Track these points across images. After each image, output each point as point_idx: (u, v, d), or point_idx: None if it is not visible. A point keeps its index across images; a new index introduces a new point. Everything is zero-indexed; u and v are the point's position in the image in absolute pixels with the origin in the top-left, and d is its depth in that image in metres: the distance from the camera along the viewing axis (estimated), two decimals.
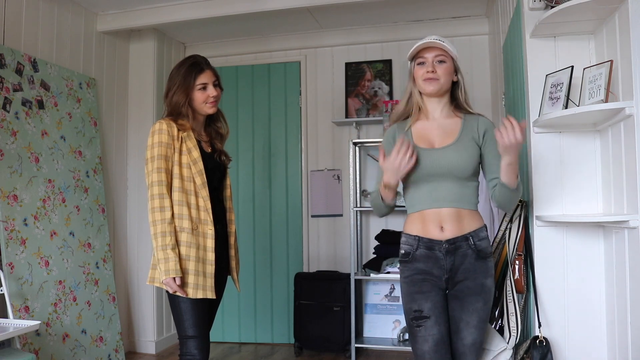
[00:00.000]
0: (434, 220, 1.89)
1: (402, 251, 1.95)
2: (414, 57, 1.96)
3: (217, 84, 2.26)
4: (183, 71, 2.21)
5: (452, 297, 1.90)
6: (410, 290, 1.91)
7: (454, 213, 1.88)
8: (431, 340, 1.85)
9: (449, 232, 1.87)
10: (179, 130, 2.15)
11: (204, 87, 2.20)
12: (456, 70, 1.95)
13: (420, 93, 1.97)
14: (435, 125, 1.96)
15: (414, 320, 1.88)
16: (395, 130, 2.02)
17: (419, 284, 1.89)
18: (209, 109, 2.24)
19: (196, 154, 2.16)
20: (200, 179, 2.15)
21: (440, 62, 1.90)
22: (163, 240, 2.04)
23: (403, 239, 1.96)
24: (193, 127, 2.21)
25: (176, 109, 2.19)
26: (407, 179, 1.94)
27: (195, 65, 2.22)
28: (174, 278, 2.04)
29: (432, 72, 1.89)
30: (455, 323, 1.88)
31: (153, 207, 2.07)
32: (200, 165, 2.16)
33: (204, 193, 2.15)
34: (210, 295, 2.12)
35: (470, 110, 2.00)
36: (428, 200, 1.90)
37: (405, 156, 1.83)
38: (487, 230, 1.94)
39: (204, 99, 2.20)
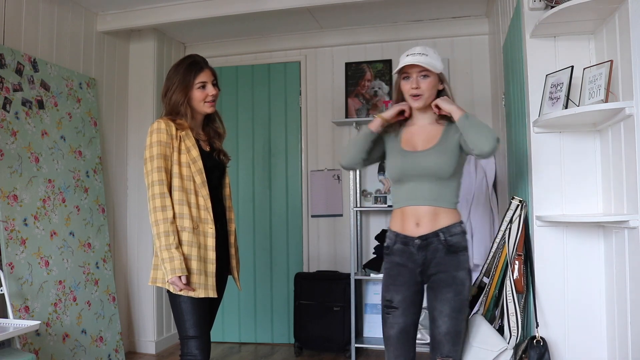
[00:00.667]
0: (411, 217, 2.05)
1: (385, 244, 2.17)
2: (399, 70, 2.09)
3: (216, 84, 2.27)
4: (182, 70, 2.21)
5: (428, 288, 2.06)
6: (386, 281, 2.15)
7: (431, 211, 2.02)
8: (396, 327, 2.08)
9: (423, 229, 2.02)
10: (177, 129, 2.14)
11: (203, 86, 2.21)
12: (442, 80, 2.07)
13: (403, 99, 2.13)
14: (420, 130, 2.11)
15: (384, 307, 2.13)
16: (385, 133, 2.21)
17: (394, 277, 2.11)
18: (208, 108, 2.24)
19: (195, 152, 2.16)
20: (200, 178, 2.15)
21: (424, 77, 2.02)
22: (167, 239, 2.04)
23: (387, 233, 2.17)
24: (191, 126, 2.21)
25: (175, 108, 2.19)
26: (392, 178, 2.13)
27: (194, 64, 2.22)
28: (180, 277, 2.03)
29: (416, 88, 2.03)
30: (431, 312, 2.03)
31: (155, 207, 2.07)
32: (200, 164, 2.15)
33: (204, 192, 2.15)
34: (212, 294, 2.12)
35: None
36: (408, 198, 2.06)
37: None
38: (462, 226, 2.04)
39: (202, 97, 2.20)
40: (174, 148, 2.12)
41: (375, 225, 4.10)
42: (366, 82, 4.16)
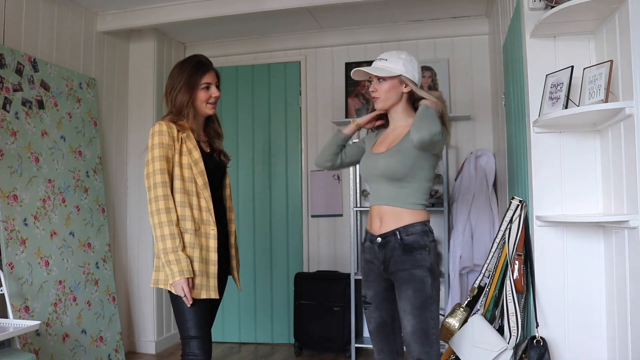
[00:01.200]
0: (375, 215, 2.12)
1: (361, 242, 2.24)
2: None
3: (218, 86, 2.27)
4: (188, 70, 2.20)
5: (395, 287, 2.07)
6: (362, 277, 2.21)
7: (392, 211, 2.06)
8: (373, 322, 2.14)
9: (383, 228, 2.07)
10: (178, 131, 2.14)
11: (208, 87, 2.21)
12: (405, 83, 2.10)
13: None
14: (390, 133, 2.18)
15: (362, 302, 2.21)
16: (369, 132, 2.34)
17: (366, 274, 2.17)
18: (209, 110, 2.24)
19: (197, 154, 2.15)
20: (202, 180, 2.14)
21: (380, 80, 2.14)
22: (173, 242, 2.03)
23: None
24: (193, 127, 2.21)
25: (179, 108, 2.18)
26: (362, 178, 2.21)
27: (201, 64, 2.22)
28: (188, 279, 2.03)
29: (374, 90, 2.16)
30: (399, 312, 2.05)
31: (158, 209, 2.06)
32: (202, 165, 2.15)
33: (206, 193, 2.15)
34: (214, 295, 2.12)
35: None
36: (374, 197, 2.14)
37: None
38: (424, 227, 2.04)
39: (206, 98, 2.21)
40: (176, 150, 2.12)
41: None
42: (366, 82, 4.14)
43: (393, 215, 2.06)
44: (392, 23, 4.07)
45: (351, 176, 3.78)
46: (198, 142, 2.21)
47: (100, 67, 3.83)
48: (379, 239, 2.07)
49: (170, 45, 4.31)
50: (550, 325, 2.24)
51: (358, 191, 4.03)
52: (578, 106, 2.04)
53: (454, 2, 3.66)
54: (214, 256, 2.14)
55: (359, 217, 4.04)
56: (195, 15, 3.64)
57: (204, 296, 2.09)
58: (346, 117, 4.14)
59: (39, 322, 2.60)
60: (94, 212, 3.54)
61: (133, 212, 4.02)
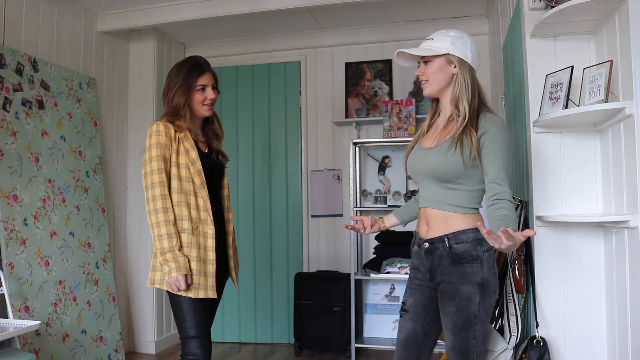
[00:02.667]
0: (423, 218, 1.93)
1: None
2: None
3: (216, 87, 2.27)
4: (185, 71, 2.21)
5: (438, 297, 1.88)
6: (407, 283, 2.03)
7: (439, 214, 1.85)
8: (404, 332, 1.95)
9: (431, 232, 1.87)
10: (176, 131, 2.15)
11: (203, 89, 2.21)
12: (454, 63, 1.84)
13: None
14: (439, 124, 1.94)
15: (400, 309, 2.01)
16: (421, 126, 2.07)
17: (411, 279, 1.99)
18: (206, 112, 2.24)
19: (194, 154, 2.16)
20: (199, 179, 2.15)
21: (426, 62, 1.88)
22: (170, 242, 2.04)
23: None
24: (190, 127, 2.21)
25: (175, 109, 2.19)
26: (411, 176, 2.02)
27: (197, 66, 2.23)
28: (186, 276, 2.03)
29: (421, 74, 1.90)
30: (434, 327, 1.93)
31: (156, 209, 2.06)
32: (199, 165, 2.16)
33: (204, 193, 2.15)
34: (212, 294, 2.12)
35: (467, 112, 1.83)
36: (422, 198, 1.94)
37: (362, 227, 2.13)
38: (477, 234, 1.78)
39: (201, 100, 2.21)
40: (173, 150, 2.13)
41: None
42: (366, 82, 4.16)
43: (441, 220, 1.84)
44: (392, 23, 4.07)
45: (351, 176, 3.78)
46: (196, 142, 2.21)
47: (100, 67, 3.83)
48: (426, 244, 1.87)
49: (170, 45, 4.31)
50: (550, 325, 2.24)
51: (358, 191, 4.03)
52: (578, 106, 2.04)
53: (454, 2, 3.66)
54: (212, 255, 2.14)
55: None
56: (195, 15, 3.64)
57: (201, 295, 2.09)
58: (346, 117, 4.15)
59: (39, 322, 2.60)
60: (94, 212, 3.54)
61: (133, 212, 4.02)
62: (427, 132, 1.98)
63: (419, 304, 1.93)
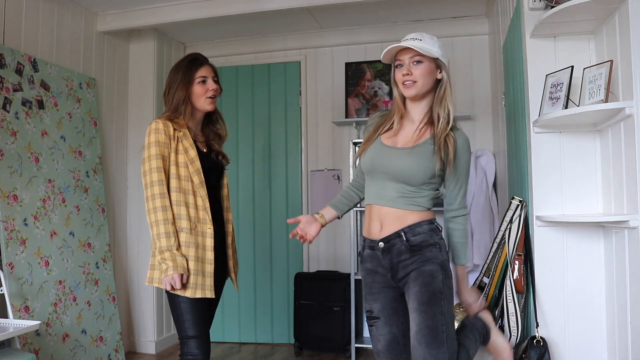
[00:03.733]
0: (375, 218, 1.89)
1: (358, 251, 2.05)
2: (393, 60, 1.92)
3: (217, 81, 2.25)
4: (184, 67, 2.20)
5: (404, 292, 1.87)
6: (364, 290, 1.97)
7: (396, 213, 1.85)
8: (382, 340, 1.88)
9: (385, 230, 1.86)
10: (175, 129, 2.14)
11: (204, 81, 2.20)
12: (440, 68, 1.86)
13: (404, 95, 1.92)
14: (410, 126, 1.92)
15: (367, 319, 1.95)
16: (375, 120, 2.02)
17: (369, 286, 1.93)
18: (208, 105, 2.22)
19: (193, 152, 2.15)
20: (198, 178, 2.14)
21: (417, 62, 1.83)
22: (168, 241, 2.04)
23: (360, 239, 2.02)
24: (189, 126, 2.20)
25: (176, 105, 2.18)
26: (364, 170, 1.95)
27: (195, 60, 2.23)
28: (182, 275, 2.03)
29: (408, 74, 1.84)
30: (409, 312, 1.84)
31: (155, 207, 2.06)
32: (198, 164, 2.15)
33: (202, 192, 2.15)
34: (210, 294, 2.11)
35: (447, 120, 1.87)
36: (375, 196, 1.90)
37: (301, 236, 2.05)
38: (432, 225, 1.86)
39: (203, 92, 2.19)
40: (172, 148, 2.12)
41: None
42: (366, 82, 4.16)
43: (396, 217, 1.84)
44: (392, 23, 4.07)
45: (351, 176, 3.78)
46: (195, 142, 2.20)
47: (100, 67, 3.83)
48: (381, 244, 1.86)
49: (170, 45, 4.31)
50: (550, 325, 2.24)
51: None
52: (578, 106, 2.04)
53: (454, 2, 3.66)
54: (210, 255, 2.14)
55: (359, 217, 4.04)
56: (195, 15, 3.64)
57: (199, 295, 2.08)
58: (346, 117, 4.14)
59: (39, 322, 2.60)
60: (94, 212, 3.54)
61: (133, 212, 4.02)
62: (386, 130, 1.94)
63: (387, 307, 1.89)
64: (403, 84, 1.86)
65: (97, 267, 3.49)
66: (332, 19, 3.99)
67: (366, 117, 4.08)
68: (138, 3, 3.64)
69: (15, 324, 2.56)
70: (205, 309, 2.15)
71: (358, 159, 1.98)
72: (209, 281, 2.12)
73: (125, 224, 4.01)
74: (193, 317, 2.08)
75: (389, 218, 1.85)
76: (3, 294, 2.72)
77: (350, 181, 2.19)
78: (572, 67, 2.10)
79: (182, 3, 3.63)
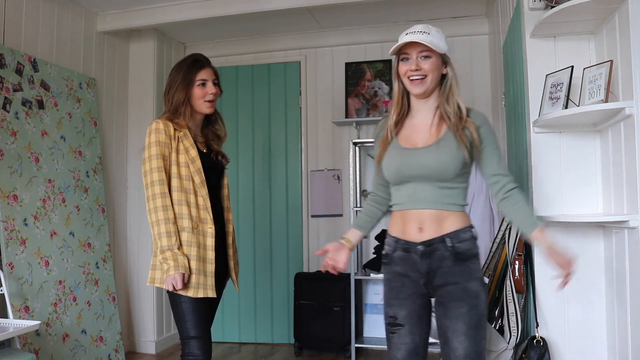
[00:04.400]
0: (413, 221, 1.79)
1: (383, 251, 1.94)
2: (397, 52, 1.80)
3: (217, 84, 2.26)
4: (185, 68, 2.20)
5: (437, 304, 1.78)
6: (388, 294, 1.88)
7: (435, 214, 1.75)
8: (404, 348, 1.79)
9: (427, 234, 1.76)
10: (175, 129, 2.14)
11: (204, 84, 2.20)
12: (445, 64, 1.79)
13: (405, 89, 1.83)
14: (421, 123, 1.83)
15: (388, 325, 1.85)
16: (383, 125, 1.92)
17: (397, 290, 1.84)
18: (207, 108, 2.22)
19: (194, 152, 2.15)
20: (199, 177, 2.14)
21: (425, 57, 1.74)
22: (169, 240, 2.03)
23: (386, 239, 1.93)
24: (189, 126, 2.20)
25: (175, 106, 2.18)
26: (390, 179, 1.87)
27: (196, 62, 2.22)
28: (184, 274, 2.02)
29: (417, 69, 1.74)
30: (444, 333, 1.74)
31: (155, 207, 2.06)
32: (199, 163, 2.15)
33: (203, 191, 2.15)
34: (211, 294, 2.11)
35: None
36: (409, 200, 1.80)
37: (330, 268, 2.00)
38: (472, 231, 1.78)
39: (202, 95, 2.19)
40: (172, 148, 2.12)
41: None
42: (366, 82, 4.16)
43: (437, 220, 1.75)
44: (392, 23, 4.07)
45: (351, 176, 3.78)
46: (195, 142, 2.20)
47: (100, 67, 3.83)
48: (421, 247, 1.75)
49: (170, 45, 4.31)
50: (550, 325, 2.24)
51: (358, 191, 4.03)
52: (578, 106, 2.04)
53: (454, 2, 3.66)
54: (211, 254, 2.13)
55: None
56: (195, 15, 3.64)
57: (200, 295, 2.08)
58: (346, 117, 4.14)
59: (39, 322, 2.60)
60: (94, 212, 3.54)
61: (133, 212, 4.02)
62: (398, 133, 1.85)
63: (414, 315, 1.79)
64: (409, 78, 1.77)
65: (97, 267, 3.49)
66: (332, 19, 3.99)
67: (366, 117, 4.08)
68: (138, 3, 3.64)
69: (15, 324, 2.56)
70: (207, 309, 2.15)
71: (377, 172, 1.93)
72: (210, 281, 2.12)
73: (125, 224, 4.01)
74: (195, 317, 2.08)
75: (429, 220, 1.76)
76: (3, 294, 2.71)
77: (369, 197, 2.11)
78: (572, 67, 2.10)
79: (182, 3, 3.63)
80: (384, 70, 4.13)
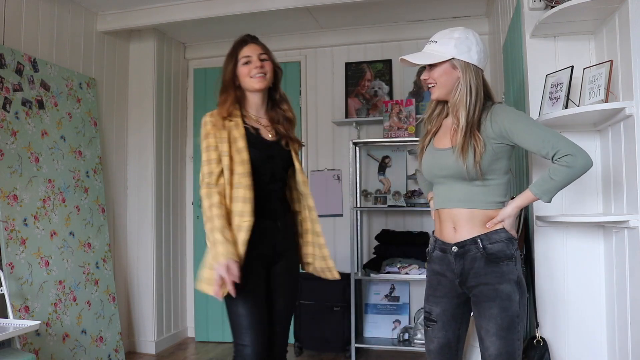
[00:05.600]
0: (447, 220, 1.82)
1: (427, 249, 1.97)
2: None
3: (266, 59, 2.14)
4: (230, 50, 2.14)
5: (472, 303, 1.82)
6: (427, 290, 1.93)
7: (468, 214, 1.78)
8: (436, 342, 1.87)
9: (460, 234, 1.79)
10: (224, 118, 2.03)
11: (248, 62, 2.11)
12: (456, 66, 1.78)
13: None
14: (451, 123, 1.86)
15: (425, 319, 1.92)
16: (424, 126, 1.98)
17: (434, 287, 1.89)
18: (256, 84, 2.08)
19: (241, 143, 2.01)
20: (242, 169, 1.99)
21: (431, 66, 1.81)
22: (211, 224, 1.89)
23: (430, 237, 1.96)
24: (248, 111, 2.10)
25: (226, 91, 2.09)
26: (428, 178, 1.92)
27: (240, 41, 2.16)
28: (227, 266, 1.82)
29: (426, 78, 1.84)
30: (478, 331, 1.79)
31: (202, 197, 1.96)
32: (245, 155, 2.00)
33: (246, 181, 1.97)
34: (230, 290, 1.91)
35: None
36: (442, 199, 1.85)
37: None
38: (507, 233, 1.76)
39: (247, 72, 2.09)
40: (220, 139, 2.00)
41: (376, 225, 4.10)
42: (366, 82, 4.16)
43: (470, 219, 1.77)
44: (392, 23, 4.07)
45: (351, 176, 3.78)
46: (257, 129, 2.08)
47: (100, 67, 3.83)
48: (455, 248, 1.78)
49: (170, 45, 4.31)
50: (550, 326, 2.24)
51: (358, 191, 4.03)
52: (578, 106, 2.04)
53: (454, 2, 3.66)
54: (242, 249, 1.94)
55: (359, 217, 4.04)
56: (195, 15, 3.64)
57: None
58: (346, 117, 4.14)
59: (39, 322, 2.60)
60: (94, 212, 3.54)
61: (133, 212, 4.02)
62: (437, 132, 1.90)
63: (447, 313, 1.86)
64: (427, 87, 1.87)
65: (97, 267, 3.49)
66: (332, 19, 3.99)
67: (366, 117, 4.08)
68: (138, 3, 3.64)
69: (15, 324, 2.56)
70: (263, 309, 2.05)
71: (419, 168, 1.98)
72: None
73: (125, 224, 4.01)
74: (247, 320, 1.98)
75: (462, 220, 1.79)
76: (3, 294, 2.72)
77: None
78: (572, 67, 2.10)
79: (182, 3, 3.63)
80: (384, 70, 4.13)
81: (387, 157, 4.08)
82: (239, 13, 3.57)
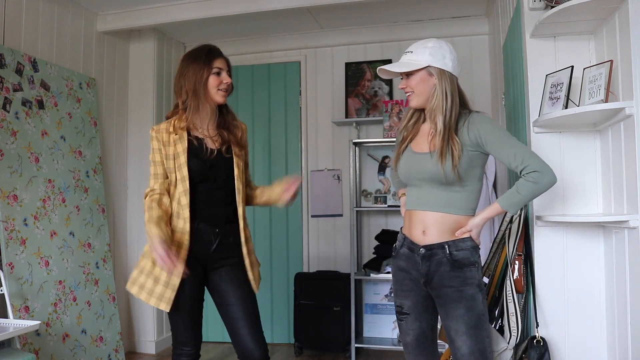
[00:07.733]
0: (418, 223, 1.90)
1: (394, 244, 2.03)
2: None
3: (230, 76, 2.19)
4: (198, 56, 2.16)
5: (438, 305, 1.89)
6: (394, 285, 2.01)
7: (439, 218, 1.85)
8: (412, 334, 1.94)
9: (429, 238, 1.86)
10: (170, 133, 2.10)
11: (219, 73, 2.14)
12: (435, 75, 1.86)
13: None
14: (428, 129, 1.93)
15: (397, 313, 1.99)
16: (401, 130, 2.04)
17: (400, 282, 1.97)
18: (220, 97, 2.14)
19: (183, 158, 2.09)
20: (182, 186, 2.09)
21: (407, 74, 1.91)
22: (147, 222, 2.06)
23: (398, 233, 2.03)
24: (195, 123, 2.13)
25: (184, 99, 2.12)
26: (402, 180, 2.00)
27: (212, 50, 2.19)
28: (160, 246, 1.97)
29: (404, 87, 1.93)
30: (448, 333, 1.85)
31: (145, 207, 2.11)
32: (185, 171, 2.08)
33: (184, 200, 2.09)
34: (164, 307, 2.26)
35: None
36: (416, 202, 1.92)
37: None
38: (474, 241, 1.85)
39: (217, 83, 2.13)
40: (164, 155, 2.11)
41: (375, 225, 4.10)
42: (366, 82, 4.16)
43: (440, 224, 1.85)
44: (392, 23, 4.07)
45: (351, 176, 3.78)
46: (201, 139, 2.13)
47: (100, 67, 3.83)
48: (423, 250, 1.87)
49: (170, 45, 4.31)
50: (550, 325, 2.24)
51: (358, 191, 4.03)
52: (578, 106, 2.04)
53: (454, 2, 3.67)
54: (180, 266, 2.10)
55: (358, 217, 4.04)
56: (195, 15, 3.64)
57: (152, 304, 2.13)
58: (346, 117, 4.14)
59: (39, 322, 2.60)
60: (94, 212, 3.54)
61: (133, 212, 4.02)
62: (413, 138, 1.97)
63: (418, 305, 1.93)
64: (406, 94, 1.95)
65: (97, 267, 3.49)
66: (332, 19, 3.99)
67: (366, 117, 4.08)
68: (138, 3, 3.64)
69: (15, 324, 2.56)
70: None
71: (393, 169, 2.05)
72: (169, 293, 2.21)
73: (125, 224, 4.01)
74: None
75: (433, 224, 1.86)
76: (3, 294, 2.72)
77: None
78: (572, 67, 2.10)
79: (182, 3, 3.63)
80: None
81: (387, 157, 4.08)
82: (239, 13, 3.57)
